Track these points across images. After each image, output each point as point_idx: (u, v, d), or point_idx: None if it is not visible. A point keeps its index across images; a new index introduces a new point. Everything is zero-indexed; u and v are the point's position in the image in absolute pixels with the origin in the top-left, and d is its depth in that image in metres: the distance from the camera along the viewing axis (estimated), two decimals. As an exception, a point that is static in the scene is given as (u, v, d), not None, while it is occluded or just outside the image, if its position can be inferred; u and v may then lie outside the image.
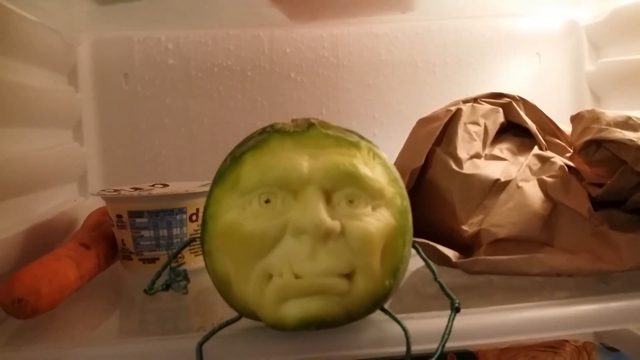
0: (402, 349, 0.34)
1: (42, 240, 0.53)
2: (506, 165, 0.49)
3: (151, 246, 0.51)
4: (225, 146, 0.71)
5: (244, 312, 0.35)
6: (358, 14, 0.68)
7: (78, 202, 0.66)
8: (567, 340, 0.60)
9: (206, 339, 0.34)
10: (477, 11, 0.73)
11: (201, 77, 0.72)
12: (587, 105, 0.76)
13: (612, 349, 0.60)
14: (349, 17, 0.70)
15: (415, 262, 0.44)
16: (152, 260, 0.51)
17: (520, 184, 0.47)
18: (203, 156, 0.72)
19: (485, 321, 0.37)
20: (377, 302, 0.34)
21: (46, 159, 0.57)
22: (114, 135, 0.71)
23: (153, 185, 0.56)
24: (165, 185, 0.56)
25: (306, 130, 0.35)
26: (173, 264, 0.37)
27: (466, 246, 0.47)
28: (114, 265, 0.54)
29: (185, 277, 0.37)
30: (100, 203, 0.62)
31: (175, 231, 0.51)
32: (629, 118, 0.45)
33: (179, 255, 0.40)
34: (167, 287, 0.37)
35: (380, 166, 0.35)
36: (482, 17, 0.75)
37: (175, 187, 0.54)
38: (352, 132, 0.36)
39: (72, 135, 0.68)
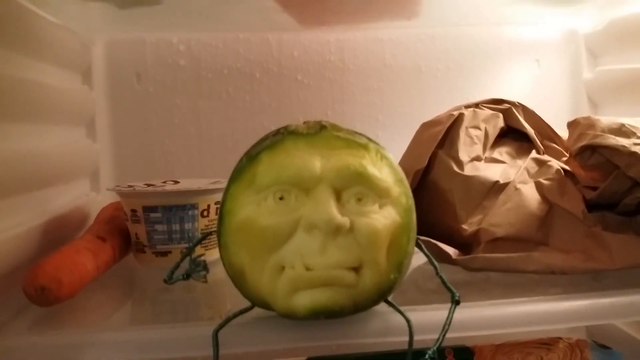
0: (404, 338, 0.36)
1: (57, 233, 0.54)
2: (505, 168, 0.51)
3: (164, 240, 0.53)
4: (233, 145, 0.74)
5: (257, 302, 0.37)
6: (365, 20, 0.70)
7: (90, 197, 0.68)
8: (560, 338, 0.62)
9: (221, 326, 0.36)
10: (480, 19, 0.75)
11: (211, 79, 0.74)
12: (585, 111, 0.78)
13: (604, 347, 0.61)
14: (355, 23, 0.72)
15: (417, 260, 0.46)
16: (165, 254, 0.53)
17: (518, 185, 0.49)
18: (212, 155, 0.74)
19: (484, 314, 0.39)
20: (382, 294, 0.36)
21: (60, 155, 0.59)
22: (126, 133, 0.73)
23: (164, 182, 0.58)
24: (176, 182, 0.58)
25: (318, 132, 0.37)
26: (192, 256, 0.40)
27: (466, 244, 0.49)
28: (127, 258, 0.56)
29: (205, 267, 0.39)
30: (111, 198, 0.64)
31: (187, 226, 0.53)
32: (622, 125, 0.47)
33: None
34: (187, 276, 0.39)
35: (387, 167, 0.37)
36: (484, 25, 0.77)
37: (185, 184, 0.56)
38: (361, 134, 0.38)
39: (85, 133, 0.70)
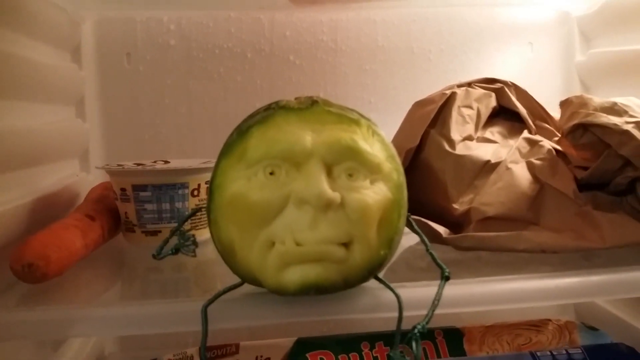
0: (394, 314, 0.36)
1: (46, 212, 0.54)
2: (497, 148, 0.51)
3: (154, 219, 0.53)
4: (224, 126, 0.72)
5: (246, 278, 0.37)
6: (358, -1, 0.69)
7: (80, 177, 0.67)
8: (549, 319, 0.62)
9: (211, 301, 0.36)
10: (473, 0, 0.75)
11: (202, 58, 0.73)
12: (576, 93, 0.77)
13: (592, 328, 0.62)
14: (348, 3, 0.71)
15: (407, 240, 0.46)
16: (155, 233, 0.53)
17: (510, 165, 0.49)
18: (202, 135, 0.73)
19: (473, 290, 0.40)
20: (372, 271, 0.36)
21: (50, 133, 0.58)
22: (116, 113, 0.72)
23: (155, 162, 0.58)
24: (166, 162, 0.57)
25: (309, 107, 0.37)
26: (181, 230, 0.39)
27: (457, 224, 0.49)
28: (116, 237, 0.56)
29: (194, 242, 0.39)
30: (101, 178, 0.64)
31: (178, 205, 0.53)
32: (615, 104, 0.47)
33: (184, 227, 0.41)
34: (176, 251, 0.39)
35: (378, 143, 0.37)
36: (477, 6, 0.77)
37: (176, 164, 0.56)
38: (352, 110, 0.38)
39: (74, 112, 0.69)
